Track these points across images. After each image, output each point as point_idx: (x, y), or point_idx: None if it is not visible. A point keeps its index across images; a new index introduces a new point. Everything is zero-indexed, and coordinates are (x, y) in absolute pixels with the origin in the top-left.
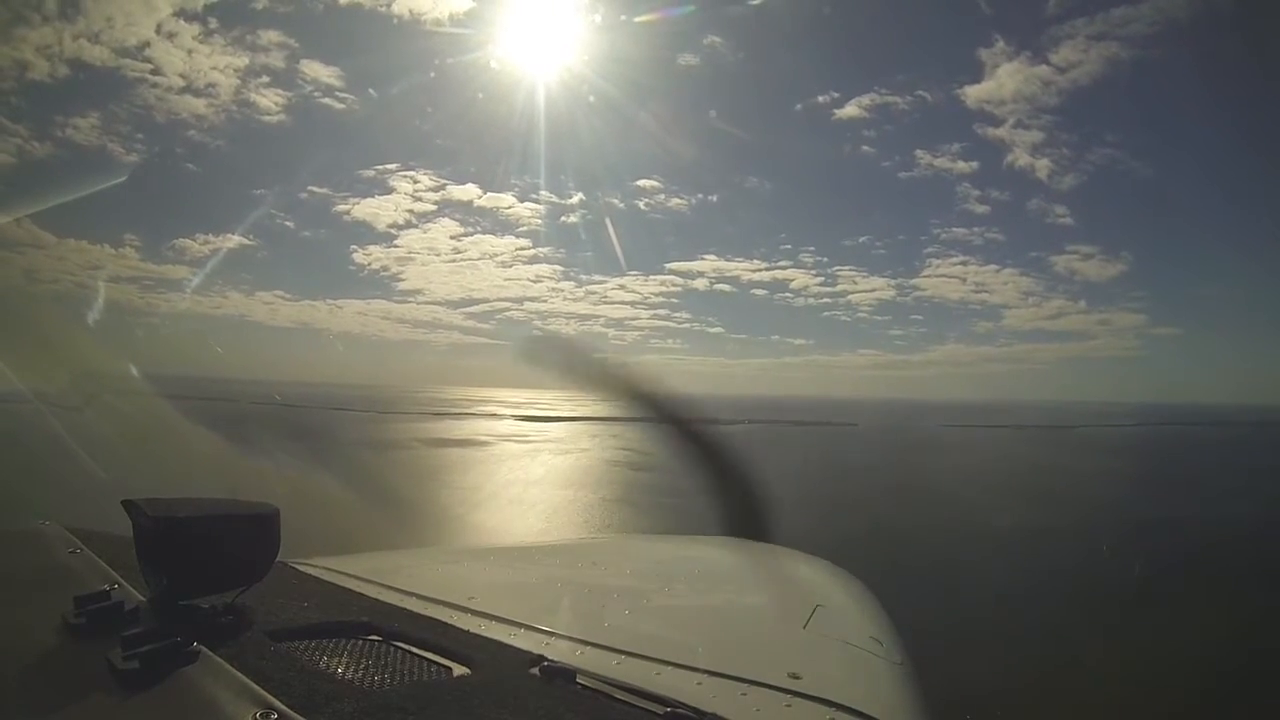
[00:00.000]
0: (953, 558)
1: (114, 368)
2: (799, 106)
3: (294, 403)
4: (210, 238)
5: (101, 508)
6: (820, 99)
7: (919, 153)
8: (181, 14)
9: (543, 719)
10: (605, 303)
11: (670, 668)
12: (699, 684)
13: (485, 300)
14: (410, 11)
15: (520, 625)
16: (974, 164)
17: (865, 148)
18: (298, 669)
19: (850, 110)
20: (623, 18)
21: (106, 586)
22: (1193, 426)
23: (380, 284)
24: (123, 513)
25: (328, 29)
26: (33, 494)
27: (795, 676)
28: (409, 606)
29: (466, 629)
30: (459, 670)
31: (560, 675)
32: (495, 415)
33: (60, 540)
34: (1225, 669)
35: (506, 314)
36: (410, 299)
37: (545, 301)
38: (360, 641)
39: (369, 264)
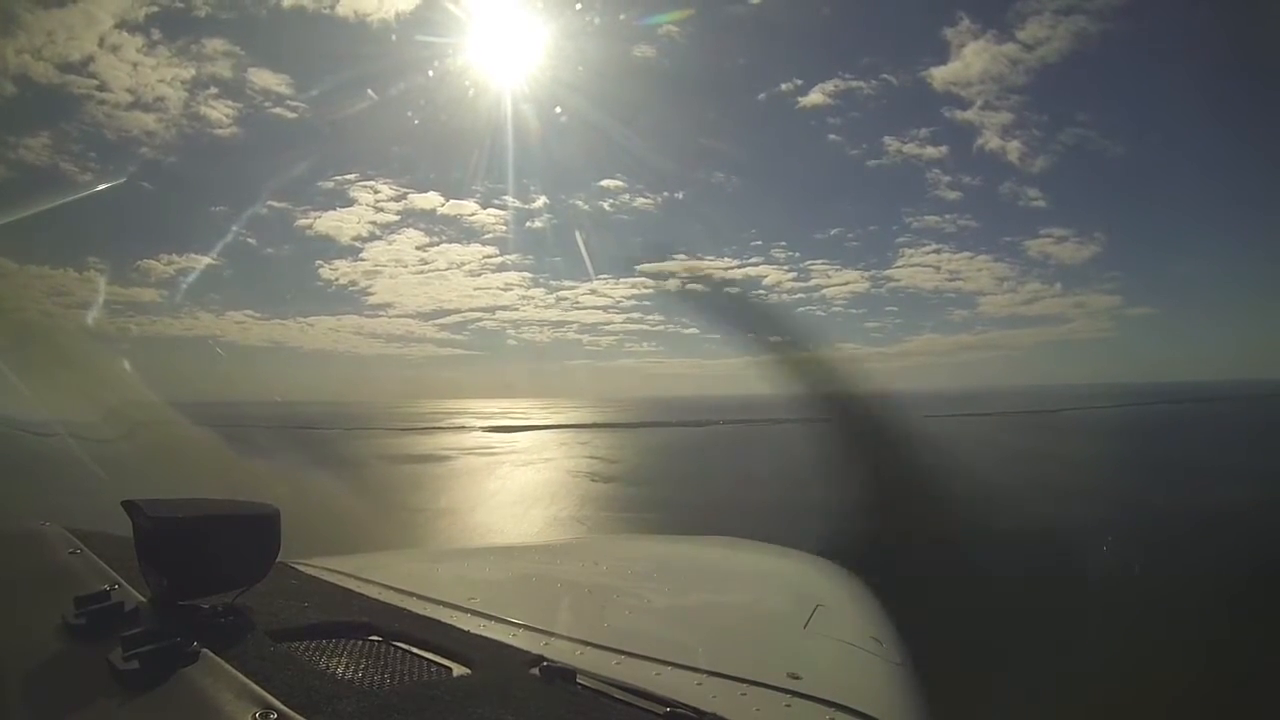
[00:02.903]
0: (947, 554)
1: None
2: (761, 96)
3: (263, 423)
4: (174, 257)
5: None
6: (783, 87)
7: (887, 139)
8: (123, 25)
9: (543, 719)
10: (578, 308)
11: (670, 668)
12: (699, 684)
13: (457, 311)
14: (355, 13)
15: (520, 625)
16: (943, 149)
17: (832, 136)
18: (298, 669)
19: (814, 98)
20: (584, 19)
21: (107, 587)
22: (1176, 404)
23: (349, 299)
24: (123, 514)
25: (273, 34)
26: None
27: (795, 676)
28: (409, 606)
29: (466, 629)
30: (459, 670)
31: (560, 675)
32: (465, 428)
33: (61, 541)
34: (1229, 665)
35: (479, 324)
36: (381, 313)
37: (517, 310)
38: (360, 641)
39: (336, 279)
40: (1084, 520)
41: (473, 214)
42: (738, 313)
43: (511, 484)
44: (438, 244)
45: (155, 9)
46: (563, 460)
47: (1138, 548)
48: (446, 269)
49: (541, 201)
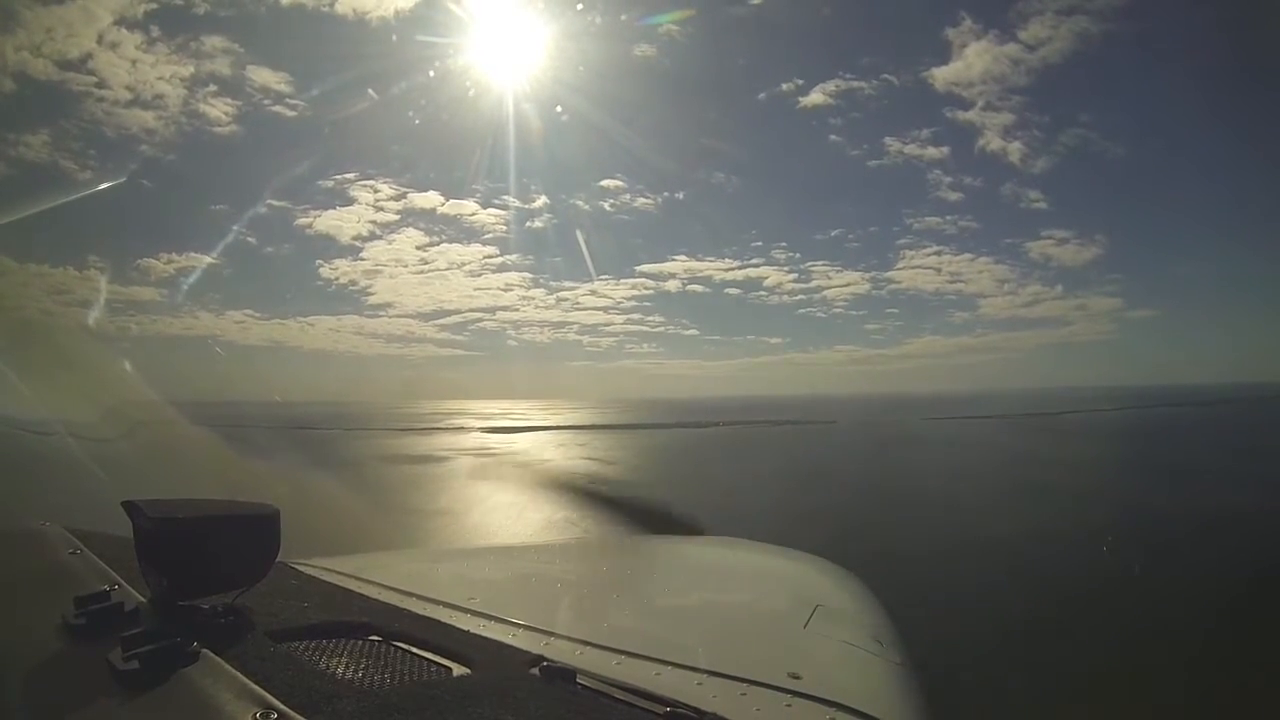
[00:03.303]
0: (951, 560)
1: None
2: (762, 96)
3: (263, 423)
4: (174, 256)
5: None
6: (784, 87)
7: (888, 140)
8: (122, 22)
9: (543, 719)
10: (578, 309)
11: (670, 668)
12: (699, 684)
13: (457, 311)
14: (355, 11)
15: (520, 625)
16: (945, 149)
17: (833, 136)
18: (298, 669)
19: (815, 98)
20: (585, 19)
21: (106, 587)
22: (1177, 408)
23: (350, 299)
24: (123, 514)
25: (272, 32)
26: None
27: (795, 676)
28: (409, 606)
29: (466, 629)
30: (459, 670)
31: (560, 675)
32: (464, 429)
33: (61, 541)
34: (1229, 665)
35: (479, 324)
36: (381, 313)
37: (517, 311)
38: (360, 641)
39: (336, 278)
40: (1084, 522)
41: (473, 214)
42: None
43: (507, 486)
44: (438, 244)
45: (154, 6)
46: (560, 461)
47: (1138, 549)
48: (447, 269)
49: (542, 201)
